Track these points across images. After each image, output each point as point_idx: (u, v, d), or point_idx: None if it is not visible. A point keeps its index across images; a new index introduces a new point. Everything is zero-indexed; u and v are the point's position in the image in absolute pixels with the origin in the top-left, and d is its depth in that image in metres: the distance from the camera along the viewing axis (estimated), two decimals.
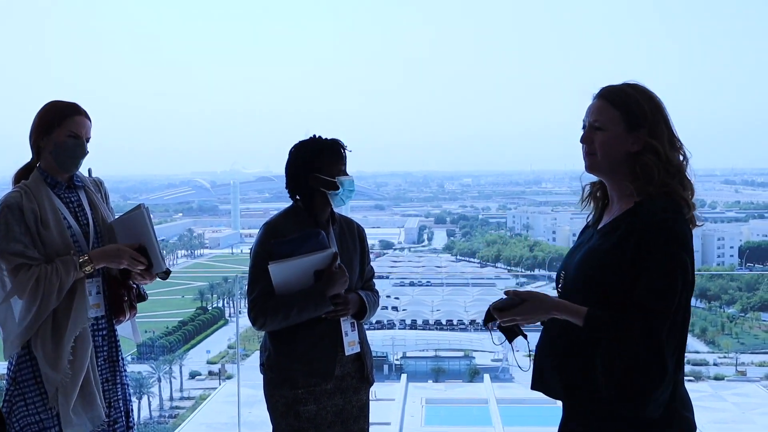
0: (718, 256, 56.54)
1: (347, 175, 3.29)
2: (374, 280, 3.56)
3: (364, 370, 3.36)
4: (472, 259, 62.93)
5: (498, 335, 2.45)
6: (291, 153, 3.31)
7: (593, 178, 2.57)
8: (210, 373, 32.68)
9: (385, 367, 30.06)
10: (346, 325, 3.28)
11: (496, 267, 59.07)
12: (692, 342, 35.06)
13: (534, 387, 2.56)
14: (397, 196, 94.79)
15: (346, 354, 3.27)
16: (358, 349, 3.32)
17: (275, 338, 3.27)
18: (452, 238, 71.58)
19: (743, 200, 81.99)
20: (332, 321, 3.24)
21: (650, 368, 2.31)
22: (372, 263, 3.56)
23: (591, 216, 2.62)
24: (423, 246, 71.69)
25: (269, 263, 3.12)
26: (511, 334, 2.43)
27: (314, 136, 3.30)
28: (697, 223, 2.45)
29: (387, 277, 49.20)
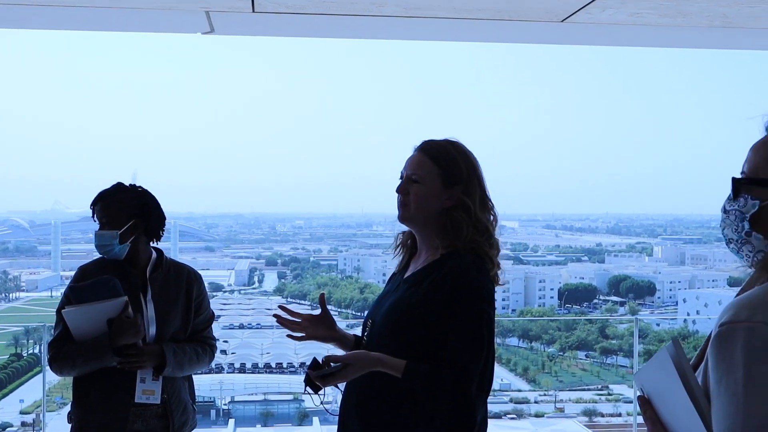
0: (540, 298, 59.07)
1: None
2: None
3: (169, 427, 3.13)
4: (303, 302, 62.71)
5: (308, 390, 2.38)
6: None
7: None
8: (23, 423, 30.77)
9: (213, 412, 29.24)
10: (143, 372, 3.08)
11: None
12: (514, 380, 36.34)
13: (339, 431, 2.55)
14: (228, 238, 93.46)
15: (136, 401, 3.06)
16: (158, 401, 3.10)
17: (75, 387, 3.13)
18: (283, 280, 71.19)
19: (562, 244, 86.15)
20: (129, 371, 3.06)
21: (461, 420, 2.35)
22: None
23: (398, 264, 2.64)
24: (253, 288, 70.92)
25: (64, 308, 3.02)
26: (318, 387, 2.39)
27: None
28: (500, 282, 2.49)
29: (216, 320, 48.31)
